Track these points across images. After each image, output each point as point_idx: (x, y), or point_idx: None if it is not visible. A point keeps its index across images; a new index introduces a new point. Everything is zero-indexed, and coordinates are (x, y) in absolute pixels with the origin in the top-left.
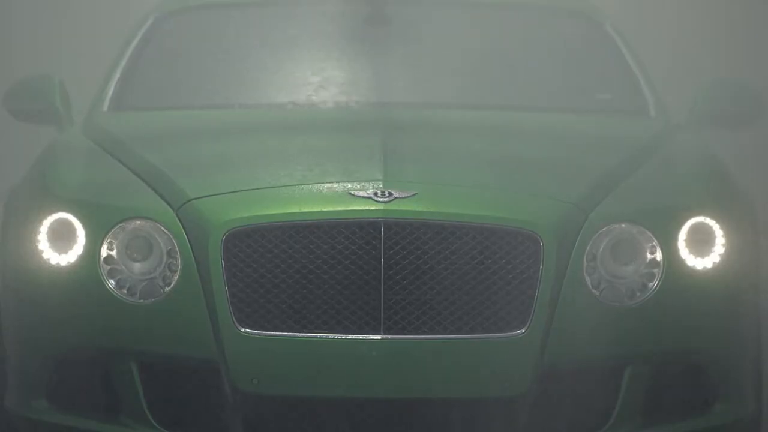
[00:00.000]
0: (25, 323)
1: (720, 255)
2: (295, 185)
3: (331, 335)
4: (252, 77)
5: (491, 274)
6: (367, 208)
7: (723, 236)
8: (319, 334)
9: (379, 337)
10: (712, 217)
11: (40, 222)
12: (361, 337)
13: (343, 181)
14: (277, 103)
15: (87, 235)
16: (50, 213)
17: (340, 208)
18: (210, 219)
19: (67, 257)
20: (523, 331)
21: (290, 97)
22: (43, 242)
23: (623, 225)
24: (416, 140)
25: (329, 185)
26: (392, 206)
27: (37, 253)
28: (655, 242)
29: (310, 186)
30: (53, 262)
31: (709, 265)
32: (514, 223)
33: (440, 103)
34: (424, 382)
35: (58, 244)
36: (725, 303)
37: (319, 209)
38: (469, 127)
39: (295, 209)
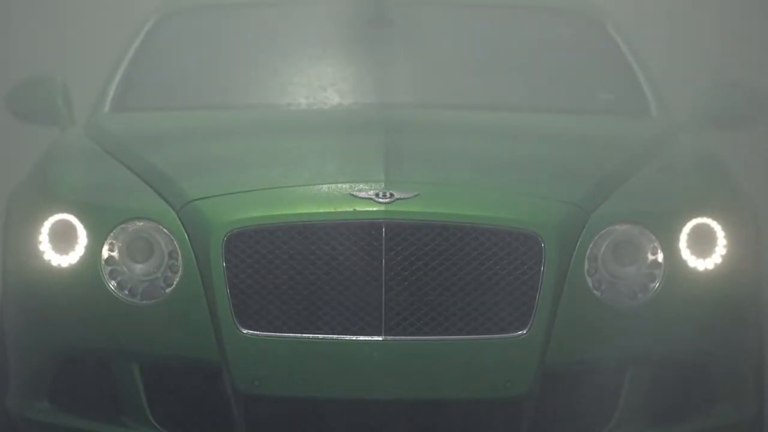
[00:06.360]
0: (26, 324)
1: (721, 256)
2: (297, 186)
3: (332, 336)
4: (253, 78)
5: (492, 275)
6: (368, 209)
7: (724, 237)
8: (320, 336)
9: (380, 338)
10: (714, 218)
11: (42, 223)
12: (362, 338)
13: (345, 182)
14: (279, 104)
15: (88, 236)
16: (52, 214)
17: (341, 210)
18: (211, 220)
19: (69, 258)
20: (525, 332)
21: (291, 98)
22: (44, 243)
23: (624, 226)
24: (418, 141)
25: (331, 186)
26: (393, 207)
27: (39, 255)
28: (656, 243)
29: (312, 187)
30: (54, 263)
31: (711, 266)
32: (515, 224)
33: (442, 104)
34: (425, 383)
35: (60, 246)
36: (727, 304)
37: (320, 210)
38: (471, 128)
39: (296, 210)
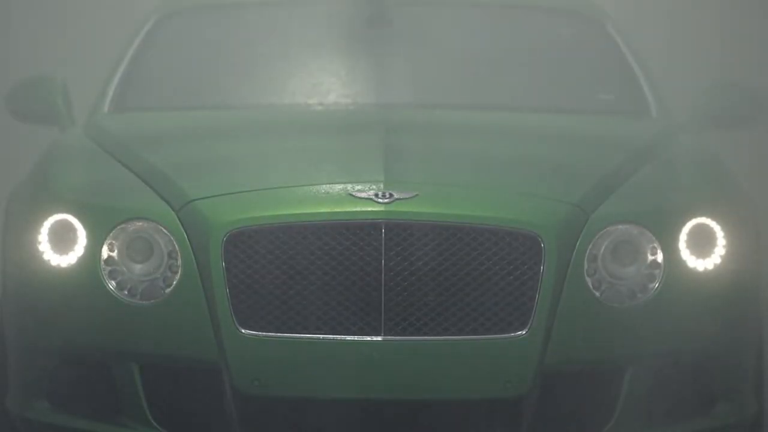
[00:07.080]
0: (25, 324)
1: (721, 256)
2: (296, 186)
3: (331, 336)
4: (253, 78)
5: (492, 275)
6: (367, 209)
7: (724, 237)
8: (319, 336)
9: (379, 338)
10: (713, 218)
11: (41, 223)
12: (361, 338)
13: (344, 182)
14: (278, 104)
15: (88, 236)
16: (51, 214)
17: (340, 210)
18: (211, 220)
19: (68, 258)
20: (524, 332)
21: (291, 98)
22: (43, 243)
23: (624, 226)
24: (418, 141)
25: (330, 186)
26: (393, 207)
27: (38, 255)
28: (656, 243)
29: (311, 187)
30: (54, 263)
31: (710, 266)
32: (515, 224)
33: (442, 104)
34: (425, 383)
35: (59, 246)
36: (726, 304)
37: (319, 210)
38: (471, 128)
39: (295, 210)
